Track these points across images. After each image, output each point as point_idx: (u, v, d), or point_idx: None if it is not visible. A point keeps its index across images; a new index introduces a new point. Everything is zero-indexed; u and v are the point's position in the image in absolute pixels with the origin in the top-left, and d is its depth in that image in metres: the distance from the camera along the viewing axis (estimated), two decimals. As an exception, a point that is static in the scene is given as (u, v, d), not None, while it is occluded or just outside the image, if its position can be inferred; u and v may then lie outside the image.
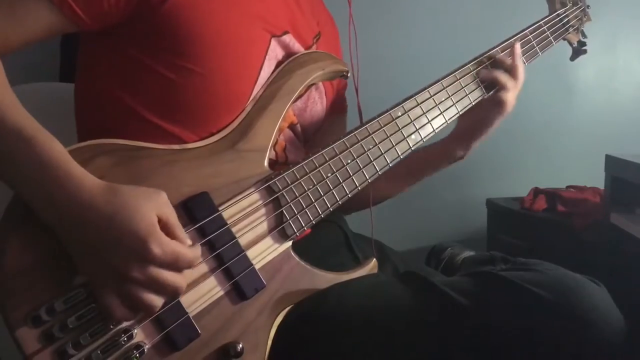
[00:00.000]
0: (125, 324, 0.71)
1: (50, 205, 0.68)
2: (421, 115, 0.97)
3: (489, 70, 1.04)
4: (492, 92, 1.04)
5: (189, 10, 0.82)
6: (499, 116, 1.04)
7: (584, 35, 1.28)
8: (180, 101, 0.84)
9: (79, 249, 0.68)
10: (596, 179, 1.61)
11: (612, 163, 1.45)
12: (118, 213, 0.67)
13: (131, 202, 0.68)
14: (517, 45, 1.07)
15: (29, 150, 0.68)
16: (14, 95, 0.72)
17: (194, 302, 0.75)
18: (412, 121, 0.96)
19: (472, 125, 1.06)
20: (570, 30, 1.23)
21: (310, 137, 1.04)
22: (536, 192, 1.85)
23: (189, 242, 0.72)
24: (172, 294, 0.70)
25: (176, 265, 0.69)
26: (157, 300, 0.69)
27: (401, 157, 0.94)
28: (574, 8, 1.24)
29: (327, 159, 0.88)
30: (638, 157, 1.38)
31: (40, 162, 0.67)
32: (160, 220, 0.69)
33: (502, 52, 1.06)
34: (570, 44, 1.28)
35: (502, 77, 1.03)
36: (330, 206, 0.87)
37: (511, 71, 1.04)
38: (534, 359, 0.77)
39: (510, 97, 1.03)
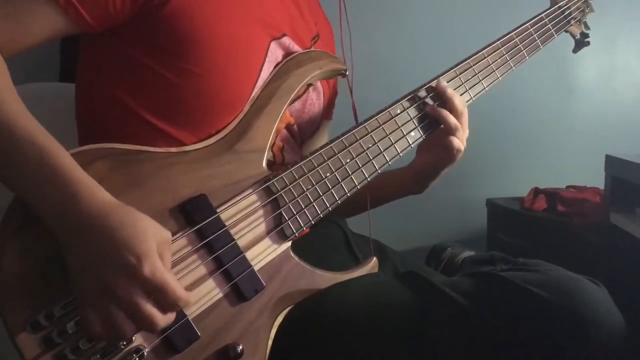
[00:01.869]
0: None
1: (57, 213, 0.67)
2: (421, 113, 0.96)
3: (432, 106, 0.96)
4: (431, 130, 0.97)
5: (190, 13, 0.82)
6: (448, 159, 0.97)
7: (586, 27, 1.26)
8: (180, 103, 0.84)
9: (76, 260, 0.67)
10: (596, 179, 1.61)
11: (612, 163, 1.45)
12: (123, 229, 0.66)
13: (138, 224, 0.67)
14: (440, 84, 0.97)
15: (40, 158, 0.68)
16: (21, 101, 0.72)
17: (193, 304, 0.75)
18: (411, 119, 0.95)
19: (428, 162, 1.00)
20: (572, 22, 1.21)
21: (307, 138, 1.03)
22: (536, 192, 1.85)
23: (180, 288, 0.68)
24: (147, 327, 0.67)
25: (162, 296, 0.65)
26: (130, 329, 0.66)
27: (400, 154, 0.94)
28: None
29: (326, 158, 0.87)
30: (638, 157, 1.38)
31: (52, 170, 0.67)
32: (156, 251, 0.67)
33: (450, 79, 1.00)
34: (573, 36, 1.26)
35: (444, 114, 0.95)
36: (330, 206, 0.87)
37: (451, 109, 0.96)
38: (534, 360, 0.77)
39: (450, 139, 0.95)
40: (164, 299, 0.66)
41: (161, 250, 0.68)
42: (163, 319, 0.67)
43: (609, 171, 1.47)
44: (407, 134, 0.95)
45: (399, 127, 0.94)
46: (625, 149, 1.53)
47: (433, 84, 0.98)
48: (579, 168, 1.95)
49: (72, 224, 0.66)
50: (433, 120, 0.97)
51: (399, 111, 0.95)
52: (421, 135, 0.96)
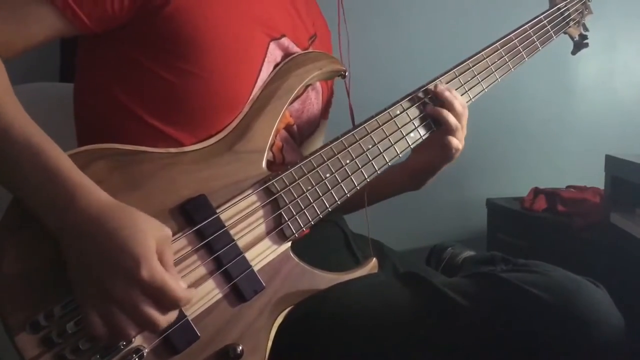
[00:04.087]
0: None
1: (57, 214, 0.67)
2: (420, 114, 0.96)
3: (433, 107, 0.97)
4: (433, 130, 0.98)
5: (190, 14, 0.82)
6: (447, 158, 0.99)
7: (585, 29, 1.26)
8: (179, 104, 0.84)
9: (76, 261, 0.67)
10: (596, 179, 1.61)
11: (612, 163, 1.45)
12: (120, 230, 0.65)
13: (136, 224, 0.67)
14: (440, 87, 0.97)
15: (37, 160, 0.67)
16: (18, 102, 0.72)
17: (193, 304, 0.75)
18: (411, 120, 0.95)
19: (426, 161, 1.02)
20: (571, 23, 1.21)
21: (306, 138, 1.03)
22: (536, 192, 1.85)
23: (183, 285, 0.69)
24: (148, 328, 0.67)
25: (161, 297, 0.65)
26: (131, 330, 0.66)
27: (400, 155, 0.94)
28: (575, 1, 1.22)
29: (325, 159, 0.87)
30: (638, 157, 1.38)
31: (49, 172, 0.67)
32: (155, 252, 0.67)
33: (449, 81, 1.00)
34: (572, 37, 1.26)
35: (444, 113, 0.96)
36: (329, 206, 0.87)
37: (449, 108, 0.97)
38: (533, 361, 0.77)
39: (450, 138, 0.96)
40: (164, 300, 0.66)
41: (161, 248, 0.67)
42: (164, 319, 0.67)
43: (609, 171, 1.47)
44: (406, 134, 0.95)
45: (399, 128, 0.94)
46: (625, 149, 1.53)
47: (432, 85, 0.98)
48: (579, 168, 1.95)
49: (70, 227, 0.66)
50: (433, 121, 0.97)
51: (398, 112, 0.95)
52: (421, 137, 0.96)
